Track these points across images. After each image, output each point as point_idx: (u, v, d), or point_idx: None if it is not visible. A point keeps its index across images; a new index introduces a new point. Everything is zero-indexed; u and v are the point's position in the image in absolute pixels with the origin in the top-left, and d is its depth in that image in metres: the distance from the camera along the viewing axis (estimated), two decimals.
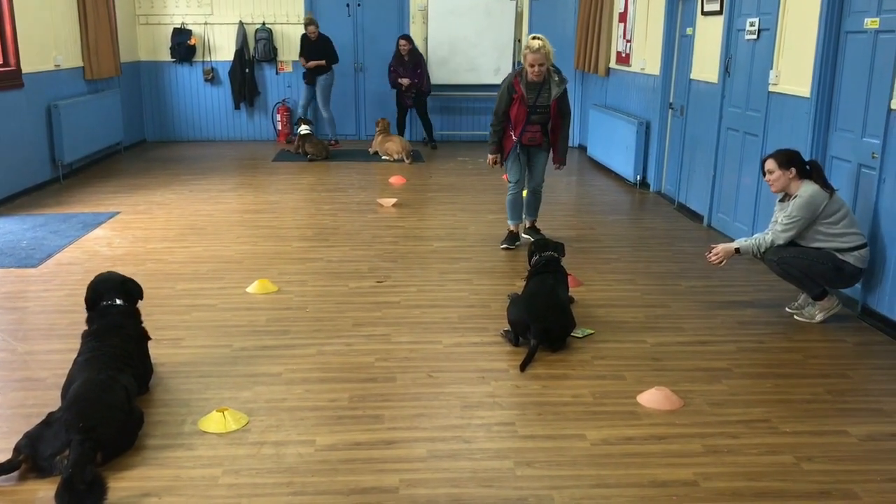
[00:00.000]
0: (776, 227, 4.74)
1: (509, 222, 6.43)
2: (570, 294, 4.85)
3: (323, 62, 10.90)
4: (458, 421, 3.52)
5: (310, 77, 11.05)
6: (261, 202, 7.97)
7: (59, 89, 8.90)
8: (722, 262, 4.90)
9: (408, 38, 11.02)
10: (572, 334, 4.41)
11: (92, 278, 3.94)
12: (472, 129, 11.97)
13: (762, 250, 4.79)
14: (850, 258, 4.61)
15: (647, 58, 8.89)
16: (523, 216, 6.49)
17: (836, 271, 4.64)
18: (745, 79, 6.54)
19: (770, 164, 4.78)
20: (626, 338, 4.48)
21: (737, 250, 4.85)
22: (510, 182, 6.32)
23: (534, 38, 5.88)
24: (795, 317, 4.88)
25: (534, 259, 4.88)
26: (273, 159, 10.45)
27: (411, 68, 10.95)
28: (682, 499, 2.94)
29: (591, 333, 4.51)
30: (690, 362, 4.18)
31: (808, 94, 5.50)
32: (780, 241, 4.71)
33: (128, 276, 3.97)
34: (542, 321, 4.19)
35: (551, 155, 6.29)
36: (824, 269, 4.65)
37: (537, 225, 6.57)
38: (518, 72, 6.06)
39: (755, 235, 4.91)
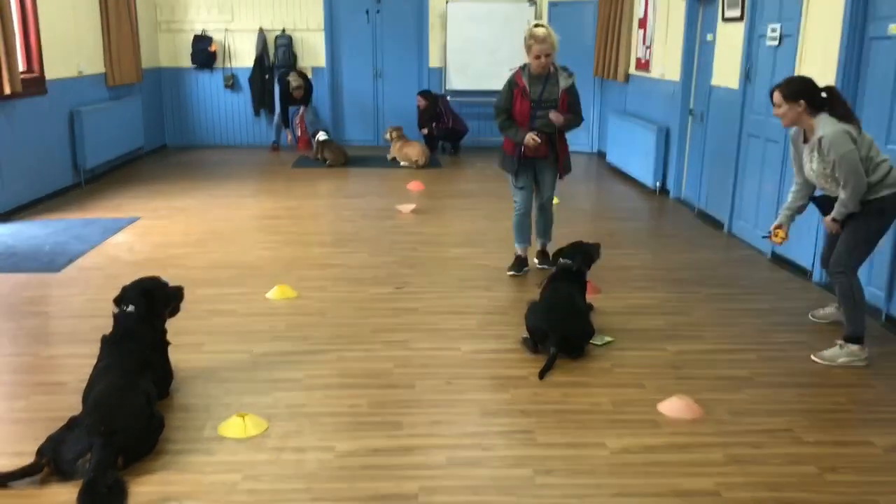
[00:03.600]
0: (841, 196, 4.12)
1: (517, 246, 5.83)
2: (589, 302, 4.83)
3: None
4: (478, 428, 3.51)
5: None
6: (280, 208, 8.00)
7: (81, 95, 8.99)
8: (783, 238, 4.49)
9: (423, 94, 11.14)
10: (592, 342, 4.39)
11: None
12: (490, 135, 11.94)
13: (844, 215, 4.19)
14: (887, 191, 4.08)
15: (666, 64, 8.85)
16: (534, 239, 5.91)
17: (881, 217, 4.14)
18: (766, 85, 6.47)
19: (776, 97, 4.23)
20: (646, 346, 4.46)
21: (833, 220, 4.26)
22: (515, 196, 5.74)
23: (538, 25, 5.39)
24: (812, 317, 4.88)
25: (556, 262, 4.79)
26: (292, 165, 10.50)
27: (431, 119, 11.02)
28: None
29: (611, 341, 4.49)
30: (711, 371, 4.15)
31: None
32: (853, 203, 4.10)
33: (164, 282, 3.98)
34: (561, 329, 4.18)
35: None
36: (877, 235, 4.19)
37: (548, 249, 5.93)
38: (520, 67, 5.54)
39: (838, 200, 4.22)
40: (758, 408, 3.73)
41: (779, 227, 4.51)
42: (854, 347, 4.24)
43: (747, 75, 6.79)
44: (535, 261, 5.99)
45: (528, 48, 5.38)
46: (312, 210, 7.97)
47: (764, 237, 4.79)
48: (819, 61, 5.64)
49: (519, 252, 5.87)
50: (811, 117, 4.18)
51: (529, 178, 5.74)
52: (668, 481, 3.09)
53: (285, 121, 11.50)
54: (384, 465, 3.20)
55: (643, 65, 9.62)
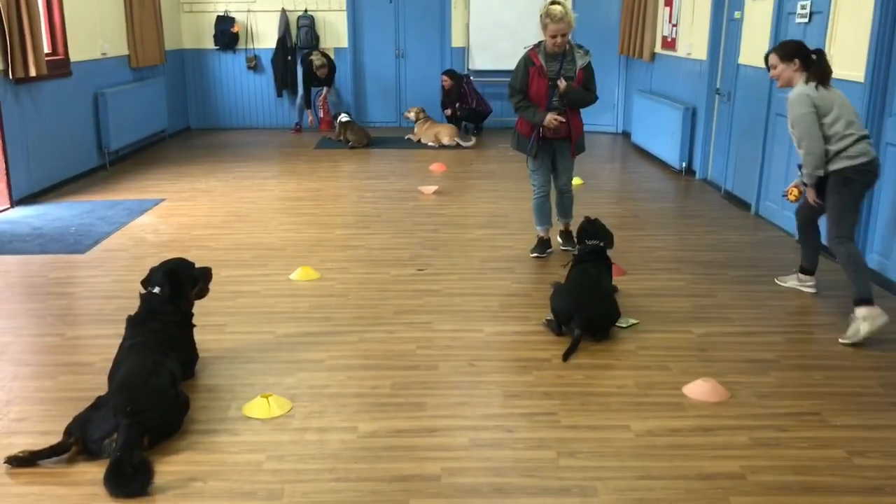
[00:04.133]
0: (800, 157, 4.52)
1: (538, 228, 5.76)
2: (613, 283, 4.79)
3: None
4: (501, 410, 3.50)
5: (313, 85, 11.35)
6: (303, 189, 8.01)
7: (105, 77, 9.03)
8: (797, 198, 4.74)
9: (449, 73, 11.04)
10: (617, 324, 4.35)
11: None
12: (513, 115, 11.84)
13: (811, 178, 4.49)
14: (844, 162, 4.32)
15: (693, 42, 8.72)
16: (556, 219, 5.85)
17: (847, 186, 4.34)
18: None
19: (773, 59, 4.59)
20: (671, 328, 4.42)
21: (804, 184, 4.60)
22: (533, 179, 5.67)
23: (554, 2, 5.22)
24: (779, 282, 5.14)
25: (578, 248, 4.77)
26: (315, 147, 10.49)
27: (455, 99, 10.93)
28: (728, 492, 2.89)
29: (636, 324, 4.45)
30: (737, 353, 4.10)
31: (861, 79, 5.33)
32: (810, 165, 4.40)
33: (190, 263, 4.00)
34: (586, 311, 4.15)
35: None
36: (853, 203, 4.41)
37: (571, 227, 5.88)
38: (535, 45, 5.45)
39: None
40: (785, 391, 3.68)
41: (795, 186, 4.70)
42: (865, 310, 4.20)
43: None
44: (559, 240, 5.94)
45: (544, 27, 5.28)
46: (335, 191, 7.97)
47: (783, 196, 4.97)
48: (850, 39, 5.52)
49: (541, 234, 5.81)
50: (801, 78, 4.48)
51: (547, 160, 5.65)
52: (692, 464, 3.07)
53: (308, 102, 11.49)
54: (407, 446, 3.20)
55: (669, 43, 9.49)
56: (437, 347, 4.17)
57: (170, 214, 6.93)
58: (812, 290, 5.00)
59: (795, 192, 4.68)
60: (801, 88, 4.42)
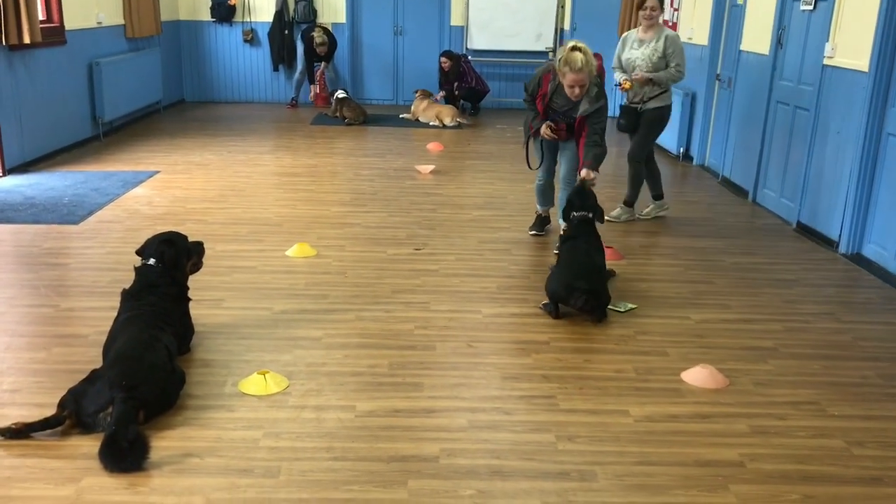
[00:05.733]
0: (681, 70, 5.97)
1: (538, 207, 5.76)
2: (610, 268, 4.78)
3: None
4: (499, 392, 3.48)
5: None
6: (299, 165, 7.94)
7: (100, 47, 8.91)
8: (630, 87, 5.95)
9: (447, 54, 10.93)
10: (614, 308, 4.34)
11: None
12: (511, 95, 11.80)
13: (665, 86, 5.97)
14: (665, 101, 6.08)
15: (694, 27, 8.66)
16: (558, 215, 5.59)
17: (661, 122, 6.14)
18: (798, 51, 6.34)
19: (654, 2, 5.93)
20: (669, 314, 4.40)
21: (650, 80, 5.88)
22: (537, 169, 5.61)
23: (574, 48, 4.81)
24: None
25: (569, 217, 4.66)
26: (311, 122, 10.41)
27: (454, 80, 10.83)
28: (727, 479, 2.88)
29: (634, 308, 4.43)
30: (736, 340, 4.09)
31: (866, 69, 5.31)
32: (673, 81, 5.99)
33: (184, 236, 3.94)
34: (579, 286, 4.12)
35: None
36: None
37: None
38: (549, 69, 5.13)
39: (664, 73, 5.94)
40: (783, 379, 3.68)
41: (628, 80, 5.97)
42: (628, 208, 6.23)
43: (779, 41, 6.63)
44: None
45: (562, 74, 4.88)
46: (331, 168, 7.90)
47: (616, 84, 6.21)
48: (855, 28, 5.49)
49: (540, 212, 5.80)
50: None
51: (550, 153, 5.56)
52: (691, 451, 3.06)
53: (310, 77, 11.36)
54: (404, 426, 3.18)
55: (670, 27, 9.41)
56: (435, 328, 4.14)
57: (164, 187, 6.86)
58: (668, 212, 6.34)
59: (628, 84, 5.92)
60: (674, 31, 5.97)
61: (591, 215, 4.65)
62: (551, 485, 2.82)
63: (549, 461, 2.96)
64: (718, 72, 8.12)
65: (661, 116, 6.06)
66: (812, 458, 3.03)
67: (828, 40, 5.81)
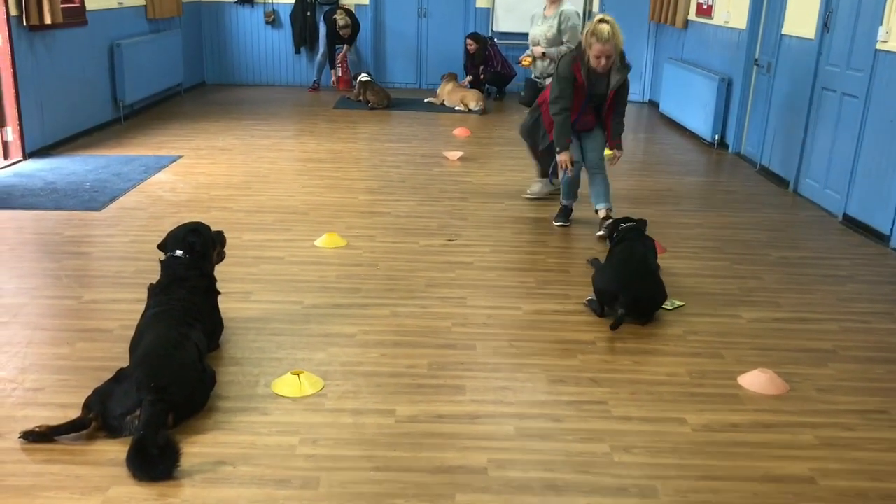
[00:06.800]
0: (571, 47, 5.84)
1: (563, 199, 5.60)
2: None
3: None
4: (546, 397, 3.29)
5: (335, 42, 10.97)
6: (323, 150, 7.75)
7: (121, 28, 8.73)
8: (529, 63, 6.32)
9: (473, 36, 10.65)
10: (662, 306, 4.12)
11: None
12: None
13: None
14: None
15: (731, 10, 8.37)
16: (595, 206, 5.51)
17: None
18: (847, 35, 6.06)
19: None
20: (719, 312, 4.19)
21: (543, 54, 6.10)
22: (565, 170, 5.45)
23: (601, 20, 4.95)
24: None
25: (616, 232, 4.48)
26: (333, 106, 10.20)
27: (479, 63, 10.57)
28: (799, 497, 2.68)
29: (682, 306, 4.22)
30: (791, 342, 3.87)
31: None
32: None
33: (202, 226, 3.74)
34: (632, 291, 3.91)
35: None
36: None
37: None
38: (577, 56, 5.13)
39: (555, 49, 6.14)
40: (846, 385, 3.46)
41: (529, 55, 6.31)
42: (545, 180, 6.18)
43: (826, 24, 6.35)
44: (600, 223, 5.65)
45: (589, 45, 4.99)
46: (356, 154, 7.71)
47: (517, 62, 6.69)
48: None
49: (565, 203, 5.64)
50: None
51: (576, 149, 5.43)
52: (757, 464, 2.85)
53: (331, 60, 11.15)
54: (449, 434, 3.00)
55: (705, 11, 9.13)
56: (474, 325, 3.95)
57: (187, 172, 6.68)
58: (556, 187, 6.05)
59: (527, 60, 6.25)
60: (572, 7, 6.11)
61: (636, 224, 4.45)
62: (610, 501, 2.63)
63: (606, 474, 2.77)
64: (757, 56, 7.84)
65: None
66: (890, 476, 2.82)
67: (881, 23, 5.53)
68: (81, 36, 7.79)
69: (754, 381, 3.41)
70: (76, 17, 7.65)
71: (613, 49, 4.93)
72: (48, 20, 6.85)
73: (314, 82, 11.33)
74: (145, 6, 9.36)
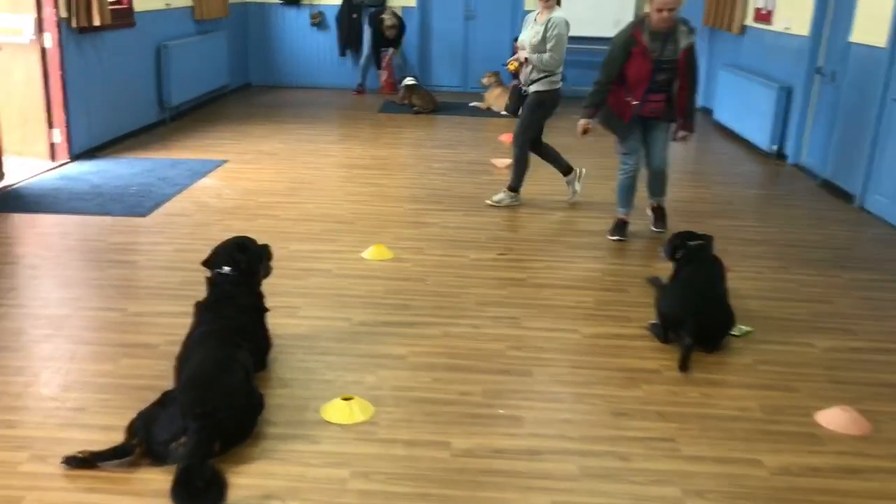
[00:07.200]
0: (554, 56, 5.66)
1: (619, 210, 5.39)
2: None
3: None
4: (610, 431, 3.09)
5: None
6: (368, 157, 7.61)
7: (168, 29, 8.69)
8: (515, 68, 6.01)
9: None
10: (730, 332, 3.90)
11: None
12: (587, 84, 11.24)
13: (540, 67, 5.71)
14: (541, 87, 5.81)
15: (793, 16, 8.06)
16: (648, 198, 5.50)
17: (541, 106, 5.87)
18: None
19: None
20: (789, 339, 3.95)
21: (526, 59, 5.75)
22: (624, 160, 5.31)
23: None
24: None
25: (679, 253, 4.17)
26: (378, 110, 10.07)
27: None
28: None
29: (750, 332, 3.99)
30: (871, 375, 3.63)
31: None
32: (546, 65, 5.71)
33: (250, 241, 3.62)
34: (700, 317, 3.69)
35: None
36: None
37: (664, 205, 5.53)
38: (637, 22, 5.08)
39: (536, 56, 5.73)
40: None
41: (515, 59, 5.98)
42: (511, 193, 6.03)
43: None
44: (650, 216, 5.57)
45: (650, 1, 4.87)
46: (401, 160, 7.56)
47: (503, 65, 6.46)
48: None
49: (621, 216, 5.42)
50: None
51: (638, 140, 5.27)
52: None
53: (377, 62, 11.02)
54: (508, 471, 2.82)
55: (763, 16, 8.82)
56: (529, 349, 3.76)
57: (233, 178, 6.59)
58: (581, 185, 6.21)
59: (513, 65, 5.95)
60: (563, 15, 5.72)
61: (704, 243, 4.18)
62: None
63: None
64: (820, 65, 7.53)
65: (541, 101, 5.83)
66: None
67: None
68: (129, 37, 7.75)
69: (834, 419, 3.18)
70: (124, 18, 7.61)
71: (676, 1, 4.79)
72: (97, 22, 6.81)
73: (359, 84, 11.20)
74: (192, 7, 9.31)
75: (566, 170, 6.19)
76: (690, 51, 5.03)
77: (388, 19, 10.48)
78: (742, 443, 3.04)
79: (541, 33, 5.66)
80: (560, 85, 5.90)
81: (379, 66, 11.10)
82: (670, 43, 4.97)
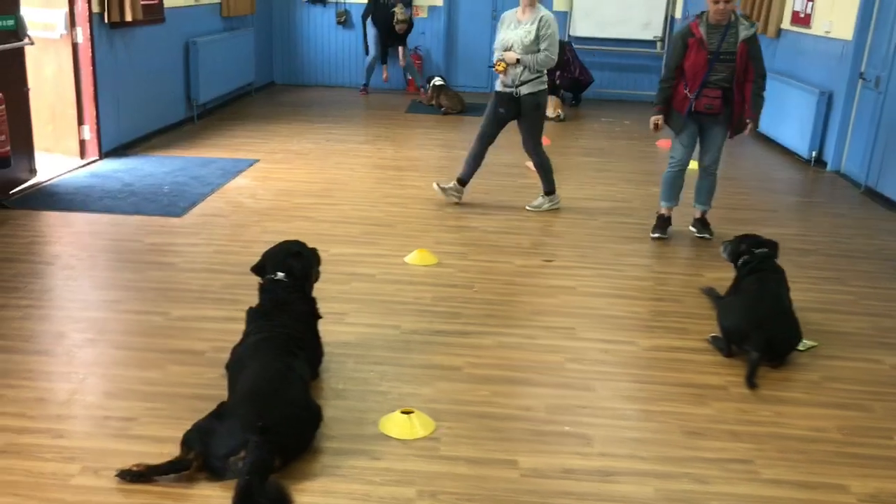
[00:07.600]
0: (549, 55, 5.52)
1: (662, 204, 5.36)
2: None
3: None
4: (684, 452, 2.95)
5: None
6: (401, 157, 7.49)
7: (197, 25, 8.59)
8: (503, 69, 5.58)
9: None
10: (796, 347, 3.75)
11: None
12: (618, 87, 11.16)
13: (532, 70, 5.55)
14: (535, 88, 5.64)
15: (833, 20, 7.89)
16: (694, 203, 5.42)
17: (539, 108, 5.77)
18: None
19: None
20: (856, 354, 3.80)
21: (518, 61, 5.51)
22: (673, 154, 5.28)
23: None
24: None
25: (743, 259, 4.05)
26: (406, 110, 9.94)
27: (556, 69, 10.17)
28: None
29: (815, 346, 3.84)
30: None
31: None
32: (542, 65, 5.55)
33: (302, 246, 3.51)
34: (766, 330, 3.55)
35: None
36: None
37: (707, 218, 5.43)
38: (697, 15, 5.08)
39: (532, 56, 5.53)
40: None
41: (501, 60, 5.61)
42: (549, 196, 5.96)
43: None
44: (692, 229, 5.47)
45: None
46: (435, 162, 7.43)
47: (489, 66, 6.07)
48: None
49: (663, 211, 5.38)
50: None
51: (693, 135, 5.23)
52: None
53: (383, 56, 10.69)
54: (580, 494, 2.68)
55: (802, 19, 8.65)
56: (588, 361, 3.63)
57: (266, 178, 6.47)
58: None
59: (502, 65, 5.60)
60: (549, 12, 5.60)
61: (769, 252, 4.03)
62: None
63: None
64: (863, 70, 7.36)
65: (538, 103, 5.72)
66: None
67: None
68: (159, 33, 7.65)
69: None
70: (154, 14, 7.50)
71: None
72: (129, 17, 6.71)
73: (363, 85, 10.95)
74: (220, 3, 9.21)
75: (464, 178, 6.01)
76: (750, 42, 4.95)
77: (399, 13, 10.26)
78: (824, 466, 2.90)
79: (533, 32, 5.49)
80: (546, 84, 5.77)
81: (384, 61, 10.78)
82: (729, 36, 4.93)
